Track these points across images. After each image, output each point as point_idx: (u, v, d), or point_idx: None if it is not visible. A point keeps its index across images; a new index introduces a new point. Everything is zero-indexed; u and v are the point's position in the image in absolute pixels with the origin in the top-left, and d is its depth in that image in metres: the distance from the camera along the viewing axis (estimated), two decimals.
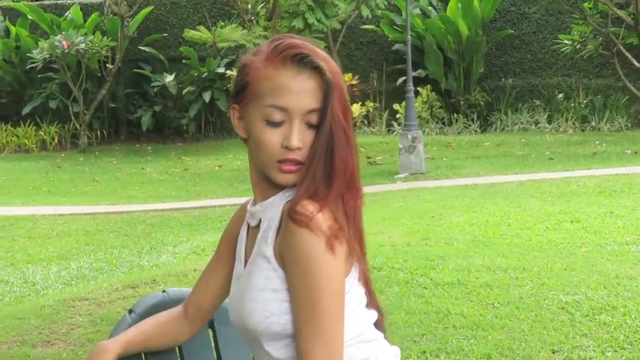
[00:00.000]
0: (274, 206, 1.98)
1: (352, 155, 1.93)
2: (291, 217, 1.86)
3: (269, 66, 1.94)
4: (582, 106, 20.84)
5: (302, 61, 1.91)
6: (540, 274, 6.48)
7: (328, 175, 1.89)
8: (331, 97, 1.89)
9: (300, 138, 1.90)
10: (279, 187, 1.98)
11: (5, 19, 24.16)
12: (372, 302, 2.06)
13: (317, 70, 1.91)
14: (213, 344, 2.42)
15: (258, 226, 2.03)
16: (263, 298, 1.93)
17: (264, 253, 1.96)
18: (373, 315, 2.07)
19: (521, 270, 6.61)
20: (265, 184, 2.01)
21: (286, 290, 1.91)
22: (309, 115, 1.91)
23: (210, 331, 2.40)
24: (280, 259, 1.92)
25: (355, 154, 1.95)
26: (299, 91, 1.90)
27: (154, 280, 6.85)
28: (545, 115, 20.95)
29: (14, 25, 23.35)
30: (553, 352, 4.77)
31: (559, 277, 6.35)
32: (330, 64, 1.93)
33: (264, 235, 1.98)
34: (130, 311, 2.31)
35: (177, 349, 2.33)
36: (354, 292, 1.97)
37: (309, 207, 1.85)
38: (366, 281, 2.03)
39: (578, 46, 19.80)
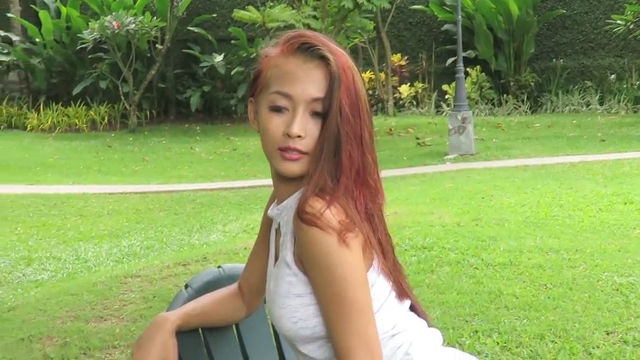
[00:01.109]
0: (288, 209, 1.96)
1: (362, 152, 1.88)
2: (300, 217, 1.83)
3: (279, 55, 1.93)
4: (635, 87, 20.54)
5: (309, 50, 1.89)
6: (593, 255, 6.41)
7: (335, 170, 1.85)
8: (336, 88, 1.85)
9: (302, 126, 1.87)
10: (293, 187, 1.96)
11: (56, 0, 24.36)
12: (403, 292, 2.02)
13: (324, 60, 1.88)
14: (269, 319, 2.41)
15: (279, 229, 2.02)
16: (289, 305, 1.91)
17: (285, 259, 1.94)
18: (406, 302, 2.03)
19: (574, 251, 6.54)
20: (281, 185, 1.99)
21: (310, 294, 1.89)
22: (313, 104, 1.87)
23: (266, 306, 2.39)
24: (300, 263, 1.90)
25: (368, 151, 1.90)
26: (304, 79, 1.88)
27: (205, 257, 6.88)
28: (597, 97, 20.69)
29: (65, 6, 23.54)
30: (607, 334, 4.71)
31: (613, 259, 6.27)
32: (338, 57, 1.88)
33: (284, 240, 1.96)
34: (187, 286, 2.31)
35: (233, 324, 2.32)
36: (379, 285, 1.93)
37: (316, 205, 1.82)
38: (392, 273, 1.99)
39: (631, 27, 19.47)
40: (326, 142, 1.86)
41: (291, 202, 1.95)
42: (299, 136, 1.87)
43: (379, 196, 1.95)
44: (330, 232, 1.80)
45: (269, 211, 2.09)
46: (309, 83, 1.87)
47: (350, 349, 1.83)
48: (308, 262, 1.86)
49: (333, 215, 1.81)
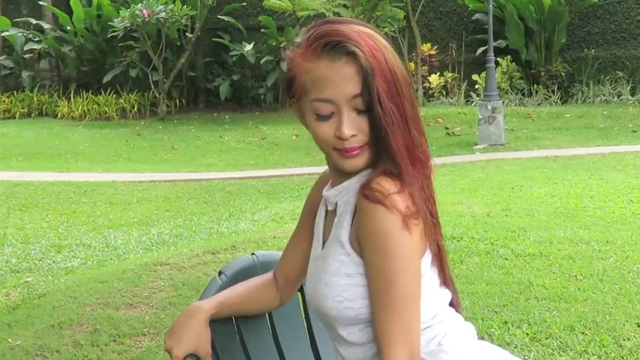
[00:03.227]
0: (350, 190, 1.95)
1: (407, 130, 1.87)
2: (365, 194, 1.82)
3: (305, 60, 1.89)
4: None
5: (334, 49, 1.85)
6: (624, 247, 6.37)
7: (392, 158, 1.84)
8: (370, 80, 1.83)
9: (351, 126, 1.85)
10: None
11: None
12: (445, 281, 2.02)
13: (352, 54, 1.84)
14: (302, 307, 2.41)
15: (335, 210, 2.00)
16: (337, 283, 1.90)
17: (339, 238, 1.92)
18: (447, 295, 2.03)
19: (604, 243, 6.50)
20: (339, 169, 1.98)
21: (361, 275, 1.88)
22: (354, 101, 1.85)
23: (299, 295, 2.39)
24: (356, 243, 1.88)
25: (414, 125, 1.89)
26: (338, 80, 1.84)
27: (234, 246, 6.89)
28: (629, 87, 20.52)
29: None
30: (638, 326, 4.68)
31: None
32: (364, 45, 1.84)
33: (340, 220, 1.95)
34: (220, 273, 2.31)
35: (266, 313, 2.32)
36: (428, 274, 1.93)
37: (385, 184, 1.82)
38: (440, 260, 1.99)
39: None
40: (377, 131, 1.85)
41: (353, 183, 1.94)
42: (353, 135, 1.86)
43: (429, 166, 1.94)
44: (394, 213, 1.80)
45: (324, 191, 2.06)
46: (344, 82, 1.84)
47: (391, 338, 1.82)
48: (366, 240, 1.84)
49: (401, 199, 1.81)
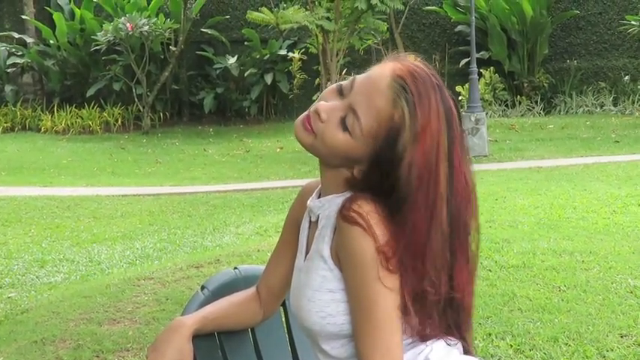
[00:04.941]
0: (333, 204, 1.92)
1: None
2: (343, 214, 1.80)
3: None
4: None
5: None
6: (607, 257, 6.39)
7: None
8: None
9: (327, 111, 1.86)
10: (341, 185, 1.92)
11: (70, 1, 24.44)
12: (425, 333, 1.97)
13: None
14: (284, 321, 2.41)
15: (317, 221, 1.99)
16: (319, 299, 1.88)
17: (321, 253, 1.91)
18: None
19: (587, 253, 6.52)
20: (329, 178, 1.96)
21: (342, 291, 1.86)
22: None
23: (282, 309, 2.38)
24: (337, 258, 1.86)
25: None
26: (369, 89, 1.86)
27: (218, 260, 6.87)
28: (611, 98, 20.60)
29: (79, 8, 23.58)
30: (621, 337, 4.69)
31: (627, 261, 6.24)
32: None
33: (322, 234, 1.93)
34: (203, 287, 2.30)
35: (249, 328, 2.32)
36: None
37: (365, 207, 1.79)
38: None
39: None
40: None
41: (336, 197, 1.92)
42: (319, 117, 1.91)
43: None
44: (370, 236, 1.77)
45: (309, 201, 2.04)
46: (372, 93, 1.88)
47: (370, 357, 1.80)
48: (344, 260, 1.82)
49: (378, 228, 1.78)
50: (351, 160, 1.88)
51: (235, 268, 2.40)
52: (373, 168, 1.85)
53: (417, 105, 1.82)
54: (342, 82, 1.92)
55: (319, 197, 2.01)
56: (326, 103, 1.89)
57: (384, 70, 1.89)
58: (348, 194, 1.88)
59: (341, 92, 1.90)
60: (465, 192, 1.89)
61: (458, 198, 1.87)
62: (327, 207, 1.95)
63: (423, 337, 1.91)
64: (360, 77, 1.90)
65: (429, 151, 1.80)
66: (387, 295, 1.79)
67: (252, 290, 2.26)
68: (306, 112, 1.92)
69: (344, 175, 1.91)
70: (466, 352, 1.99)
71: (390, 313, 1.80)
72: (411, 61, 1.95)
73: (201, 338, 2.14)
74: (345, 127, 1.84)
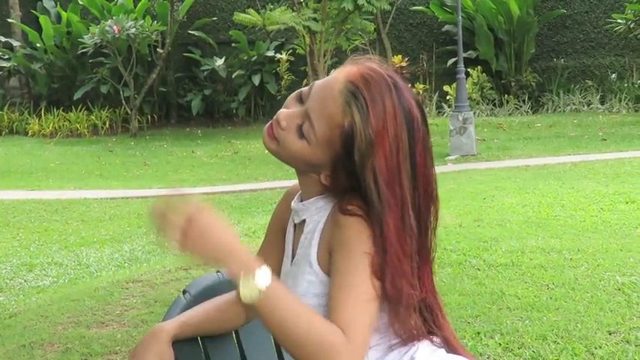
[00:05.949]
0: (320, 209, 1.92)
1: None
2: (344, 208, 1.80)
3: None
4: (636, 86, 20.52)
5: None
6: (595, 255, 6.40)
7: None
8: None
9: (287, 119, 1.87)
10: (317, 189, 1.92)
11: (57, 4, 24.41)
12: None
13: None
14: None
15: (302, 224, 1.98)
16: (306, 304, 1.85)
17: (308, 257, 1.90)
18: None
19: (575, 251, 6.54)
20: (303, 182, 1.96)
21: (327, 295, 1.84)
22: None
23: None
24: (323, 260, 1.86)
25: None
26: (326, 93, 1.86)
27: None
28: (598, 96, 20.67)
29: (65, 11, 23.56)
30: (609, 334, 4.69)
31: (615, 259, 6.26)
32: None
33: (308, 238, 1.92)
34: (184, 292, 2.27)
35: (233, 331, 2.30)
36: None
37: (361, 203, 1.79)
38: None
39: (631, 25, 19.43)
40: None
41: (322, 202, 1.92)
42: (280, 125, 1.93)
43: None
44: (368, 225, 1.77)
45: (292, 203, 2.02)
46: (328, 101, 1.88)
47: (338, 308, 1.75)
48: (338, 246, 1.80)
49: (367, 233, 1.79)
50: (313, 166, 1.88)
51: (218, 271, 2.38)
52: (337, 173, 1.85)
53: (370, 110, 1.79)
54: (303, 89, 1.92)
55: (301, 200, 2.00)
56: (286, 111, 1.89)
57: (338, 75, 1.86)
58: (327, 196, 1.89)
59: (300, 99, 1.89)
60: (427, 192, 1.87)
61: (421, 199, 1.86)
62: (314, 211, 1.94)
63: (408, 338, 1.90)
64: (317, 83, 1.89)
65: (390, 156, 1.78)
66: (366, 266, 1.77)
67: (234, 293, 2.24)
68: (272, 120, 1.92)
69: (314, 180, 1.91)
70: (453, 350, 1.99)
71: (367, 281, 1.77)
72: (368, 63, 1.90)
73: (184, 342, 2.12)
74: (301, 134, 1.84)
